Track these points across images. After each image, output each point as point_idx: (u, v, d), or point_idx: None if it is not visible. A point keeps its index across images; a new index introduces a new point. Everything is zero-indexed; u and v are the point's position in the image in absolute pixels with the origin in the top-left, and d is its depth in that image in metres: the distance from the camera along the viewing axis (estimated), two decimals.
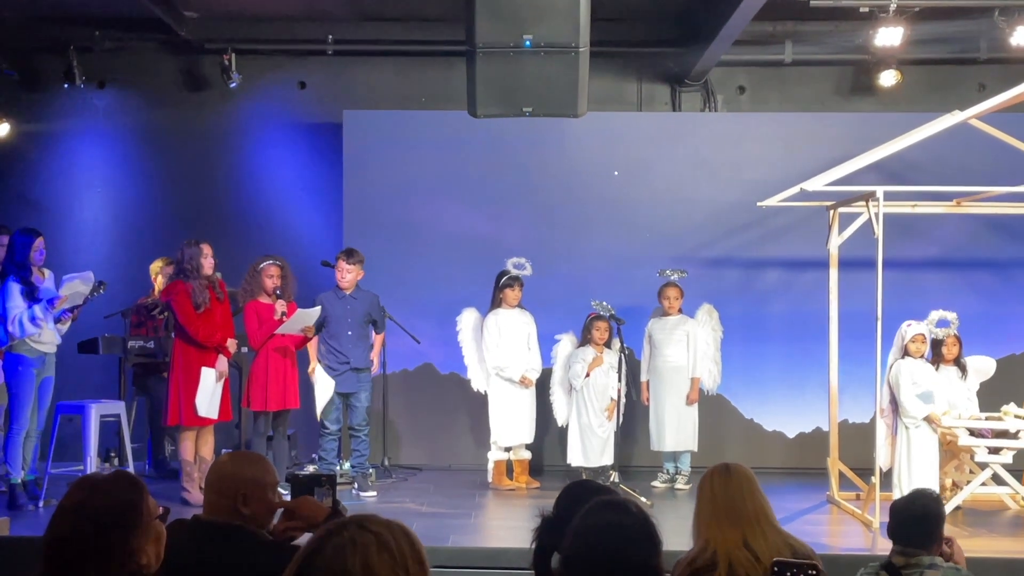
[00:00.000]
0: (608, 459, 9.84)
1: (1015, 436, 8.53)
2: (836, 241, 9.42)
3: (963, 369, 9.12)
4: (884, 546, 7.55)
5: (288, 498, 3.80)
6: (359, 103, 11.37)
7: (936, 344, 8.92)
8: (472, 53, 7.45)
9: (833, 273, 9.51)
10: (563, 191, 11.12)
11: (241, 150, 11.58)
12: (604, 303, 9.82)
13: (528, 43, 7.21)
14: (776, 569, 2.72)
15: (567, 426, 10.10)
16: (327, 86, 11.62)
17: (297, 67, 11.66)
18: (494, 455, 9.96)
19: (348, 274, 9.54)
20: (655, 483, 10.01)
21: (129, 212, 11.58)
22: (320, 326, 9.40)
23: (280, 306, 9.14)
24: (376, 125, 11.18)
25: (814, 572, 2.68)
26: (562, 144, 11.00)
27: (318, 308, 9.30)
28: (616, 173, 11.14)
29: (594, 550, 2.98)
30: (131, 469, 9.02)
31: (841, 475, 9.37)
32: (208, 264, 8.93)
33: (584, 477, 9.75)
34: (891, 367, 8.68)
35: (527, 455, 10.07)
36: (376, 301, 9.72)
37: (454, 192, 11.12)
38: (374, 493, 9.47)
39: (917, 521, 4.65)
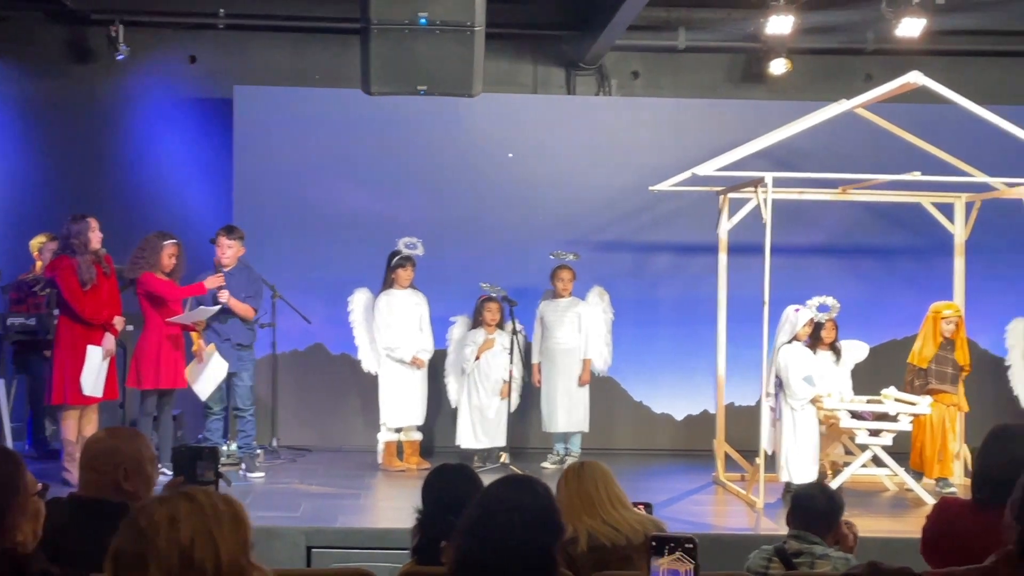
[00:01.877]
0: (499, 440, 9.86)
1: (895, 419, 8.76)
2: (725, 226, 9.56)
3: (838, 353, 9.34)
4: (767, 526, 7.74)
5: (171, 473, 3.76)
6: (251, 79, 11.18)
7: (815, 328, 9.11)
8: (366, 30, 7.37)
9: (722, 258, 9.64)
10: (457, 172, 11.09)
11: (128, 124, 11.31)
12: (495, 285, 9.82)
13: (423, 20, 7.16)
14: (655, 544, 2.74)
15: (458, 408, 10.08)
16: (218, 61, 11.40)
17: (187, 41, 11.42)
18: (384, 436, 9.91)
19: (229, 250, 9.40)
20: (545, 464, 10.05)
21: (9, 185, 11.24)
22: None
23: (223, 295, 9.09)
24: (268, 101, 11.01)
25: (691, 546, 2.71)
26: (457, 124, 10.96)
27: (216, 308, 9.14)
28: (510, 155, 11.15)
29: (493, 525, 2.95)
30: None
31: (727, 457, 9.52)
32: (96, 238, 8.71)
33: (476, 459, 9.78)
34: (777, 351, 8.83)
35: (418, 436, 10.04)
36: (254, 277, 9.58)
37: (347, 171, 11.01)
38: (262, 474, 9.36)
39: (819, 511, 4.75)
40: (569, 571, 4.16)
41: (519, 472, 9.11)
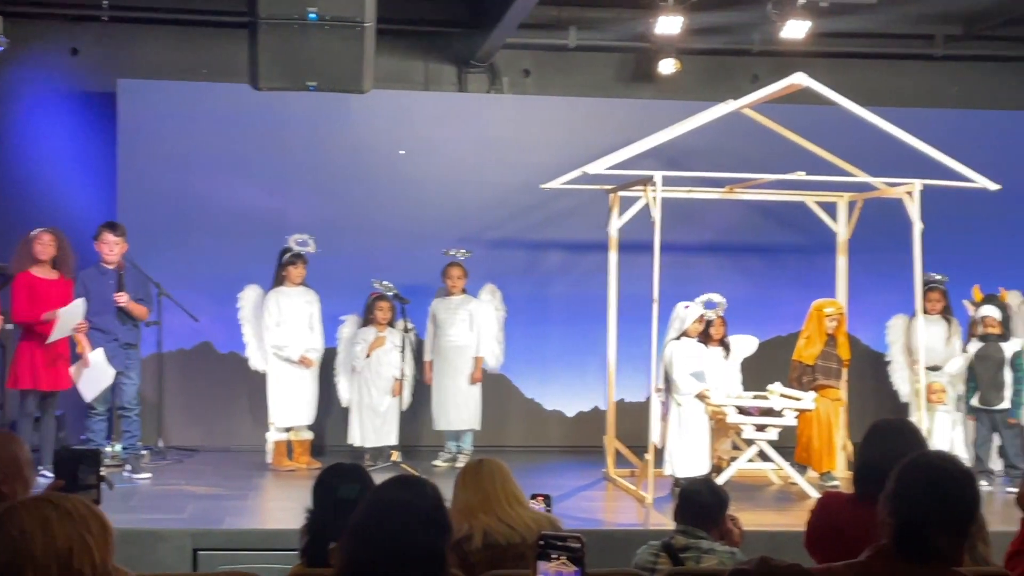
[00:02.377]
0: (390, 439, 9.80)
1: (780, 414, 8.93)
2: (616, 224, 9.64)
3: (727, 348, 9.50)
4: (657, 520, 7.82)
5: (52, 475, 3.66)
6: (135, 72, 10.93)
7: (705, 325, 9.24)
8: (255, 24, 7.27)
9: (612, 256, 9.72)
10: (348, 168, 11.01)
11: (7, 118, 10.98)
12: (385, 282, 9.77)
13: (313, 16, 7.09)
14: (542, 543, 2.74)
15: (350, 407, 10.00)
16: (101, 54, 11.12)
17: (69, 32, 11.13)
18: (273, 436, 9.79)
19: (116, 247, 9.20)
20: (436, 462, 10.03)
21: None
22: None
23: (121, 298, 8.87)
24: (153, 96, 10.79)
25: (579, 545, 2.71)
26: (347, 121, 10.87)
27: (80, 300, 8.91)
28: (402, 152, 11.09)
29: (382, 525, 2.92)
30: None
31: (617, 453, 9.60)
32: None
33: (367, 458, 9.72)
34: (666, 347, 8.93)
35: (308, 435, 9.94)
36: (142, 278, 9.40)
37: (235, 167, 10.85)
38: (148, 475, 9.18)
39: (705, 507, 4.81)
40: (463, 569, 4.16)
41: (411, 471, 9.09)
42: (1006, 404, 9.38)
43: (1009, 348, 9.36)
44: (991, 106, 11.70)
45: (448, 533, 2.99)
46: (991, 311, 9.40)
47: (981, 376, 9.40)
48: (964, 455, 9.33)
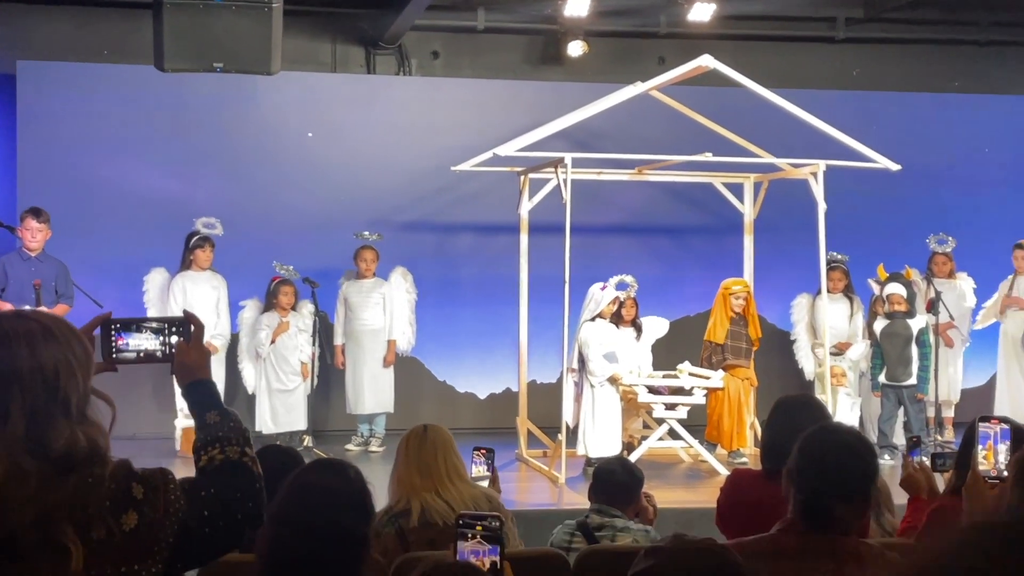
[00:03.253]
0: (300, 424, 9.74)
1: (689, 393, 9.05)
2: (526, 206, 9.66)
3: (639, 329, 9.59)
4: (570, 500, 7.89)
5: None
6: (35, 54, 10.67)
7: (616, 306, 9.32)
8: (159, 4, 7.15)
9: (523, 238, 9.76)
10: (256, 151, 10.88)
11: None
12: (288, 266, 9.68)
13: None
14: (461, 522, 2.76)
15: (256, 393, 9.91)
16: None
17: None
18: (181, 423, 9.67)
19: (39, 233, 9.03)
20: (349, 446, 10.00)
21: None
22: None
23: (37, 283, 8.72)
24: (54, 77, 10.55)
25: (498, 523, 2.73)
26: (254, 103, 10.75)
27: None
28: (310, 134, 11.00)
29: (304, 510, 2.90)
30: None
31: (530, 433, 9.65)
32: None
33: (278, 443, 9.63)
34: (580, 328, 9.00)
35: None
36: (65, 271, 9.23)
37: (140, 149, 10.66)
38: None
39: (619, 485, 4.85)
40: (399, 544, 4.17)
41: (325, 456, 9.04)
42: (912, 380, 9.60)
43: (915, 324, 9.57)
44: (891, 88, 11.94)
45: (371, 517, 2.99)
46: (897, 289, 9.59)
47: (888, 353, 9.60)
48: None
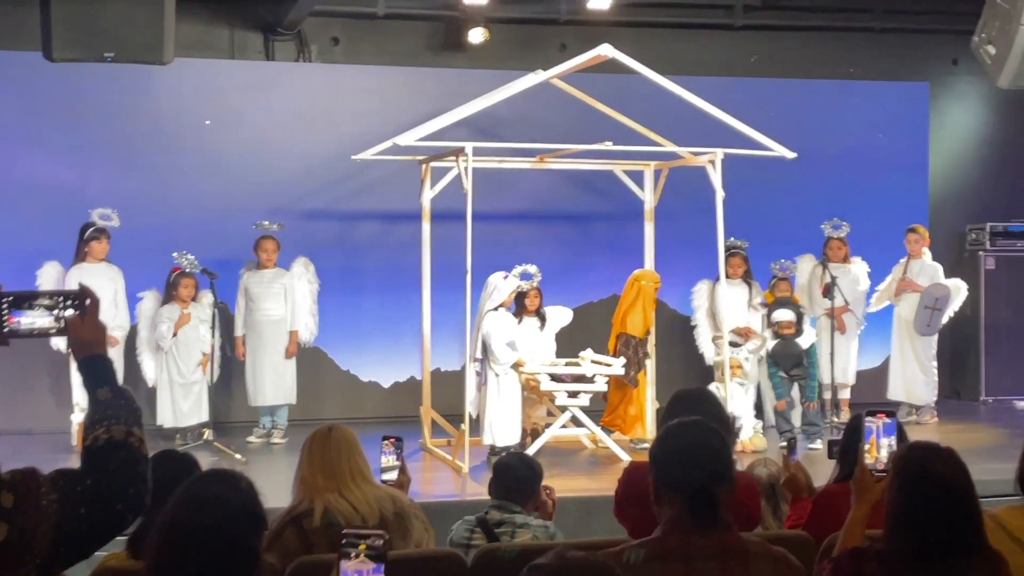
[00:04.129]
0: (201, 417, 9.61)
1: (591, 380, 9.10)
2: (428, 195, 9.63)
3: (543, 319, 9.61)
4: (473, 490, 7.90)
5: None
6: None
7: (519, 296, 9.34)
8: None
9: (426, 226, 9.73)
10: (152, 139, 10.68)
11: None
12: (189, 256, 9.53)
13: None
14: (345, 540, 2.74)
15: (157, 386, 9.75)
16: None
17: None
18: (78, 417, 9.46)
19: None
20: (251, 438, 9.89)
21: None
22: None
23: None
24: None
25: (381, 542, 2.72)
26: (150, 90, 10.54)
27: None
28: (208, 122, 10.83)
29: (194, 520, 2.86)
30: None
31: (433, 422, 9.64)
32: None
33: (177, 438, 9.54)
34: (482, 317, 8.99)
35: None
36: None
37: (31, 139, 10.41)
38: None
39: (519, 480, 4.86)
40: (300, 545, 4.13)
41: (224, 449, 8.95)
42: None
43: (805, 342, 9.66)
44: (788, 74, 12.12)
45: (262, 527, 2.95)
46: (785, 315, 9.64)
47: (783, 364, 9.70)
48: (751, 421, 9.66)
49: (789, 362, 9.63)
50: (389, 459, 4.54)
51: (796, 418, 9.87)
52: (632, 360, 9.29)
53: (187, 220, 10.57)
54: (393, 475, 4.50)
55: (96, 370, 2.68)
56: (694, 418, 3.29)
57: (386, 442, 4.55)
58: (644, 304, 9.42)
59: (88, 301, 2.75)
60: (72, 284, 9.32)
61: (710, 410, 4.28)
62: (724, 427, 4.10)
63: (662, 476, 3.12)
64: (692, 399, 4.39)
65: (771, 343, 9.74)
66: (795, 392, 9.78)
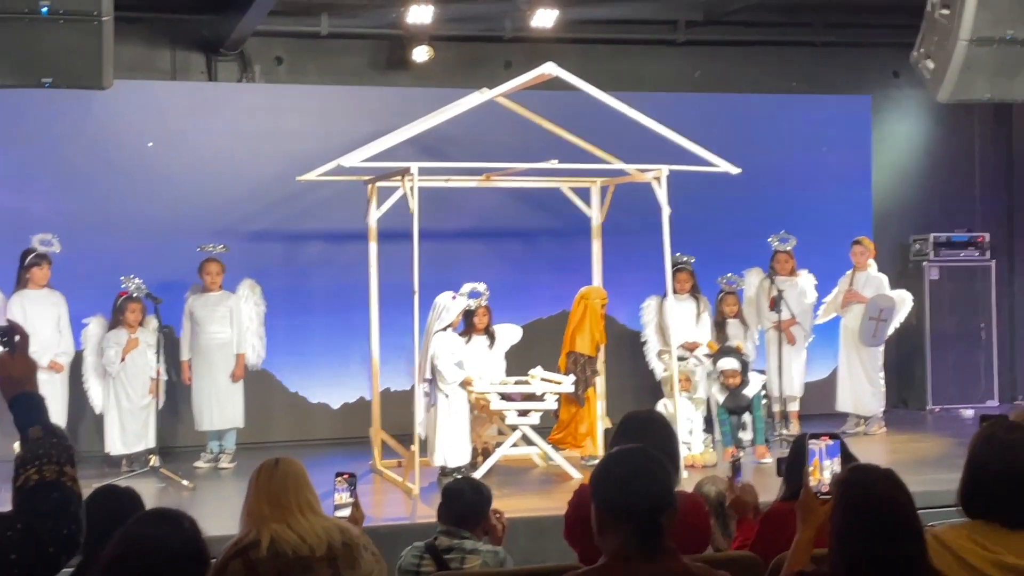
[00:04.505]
0: (148, 442, 9.49)
1: (541, 398, 9.09)
2: (375, 215, 9.59)
3: (492, 337, 9.60)
4: (424, 512, 7.85)
5: None
6: None
7: (468, 314, 9.32)
8: None
9: (372, 246, 9.68)
10: (94, 162, 10.57)
11: None
12: (137, 280, 9.43)
13: (45, 10, 6.71)
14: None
15: (104, 412, 9.61)
16: None
17: None
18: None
19: None
20: (198, 463, 9.78)
21: None
22: None
23: None
24: None
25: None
26: (90, 113, 10.41)
27: None
28: (150, 144, 10.72)
29: (135, 562, 2.81)
30: None
31: (384, 443, 9.58)
32: None
33: (124, 464, 9.42)
34: (430, 337, 8.95)
35: None
36: None
37: None
38: None
39: (467, 506, 4.83)
40: None
41: (171, 475, 8.83)
42: (750, 436, 9.69)
43: (750, 391, 9.67)
44: (731, 89, 12.20)
45: (205, 568, 2.91)
46: (730, 364, 9.61)
47: (733, 419, 9.70)
48: (701, 437, 9.69)
49: (737, 413, 9.65)
50: (342, 496, 4.49)
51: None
52: (580, 378, 9.28)
53: (131, 243, 10.45)
54: (346, 512, 4.45)
55: (27, 408, 2.63)
56: (635, 446, 3.28)
57: (339, 479, 4.49)
58: (591, 322, 9.40)
59: (18, 337, 2.69)
60: (14, 312, 9.20)
61: (657, 433, 4.29)
62: (669, 451, 4.10)
63: (604, 506, 3.11)
64: (639, 422, 4.39)
65: (719, 394, 9.75)
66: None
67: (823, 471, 3.50)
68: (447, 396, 8.86)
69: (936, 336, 12.36)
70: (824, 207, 12.01)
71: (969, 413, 12.01)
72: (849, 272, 11.01)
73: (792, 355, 10.61)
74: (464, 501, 4.86)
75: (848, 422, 10.92)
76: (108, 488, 4.15)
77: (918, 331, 12.30)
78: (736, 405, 9.62)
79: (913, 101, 12.62)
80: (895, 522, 3.12)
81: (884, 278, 10.97)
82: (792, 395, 10.70)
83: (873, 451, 9.88)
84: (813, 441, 3.55)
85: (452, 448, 8.80)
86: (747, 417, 9.65)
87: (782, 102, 12.28)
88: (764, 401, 9.77)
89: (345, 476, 4.50)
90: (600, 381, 9.65)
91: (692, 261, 10.37)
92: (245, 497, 4.31)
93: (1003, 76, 8.58)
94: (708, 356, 10.11)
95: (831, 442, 3.55)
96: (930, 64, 8.59)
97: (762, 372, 10.08)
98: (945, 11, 8.36)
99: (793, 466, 4.18)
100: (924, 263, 12.44)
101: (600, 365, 9.65)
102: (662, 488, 3.13)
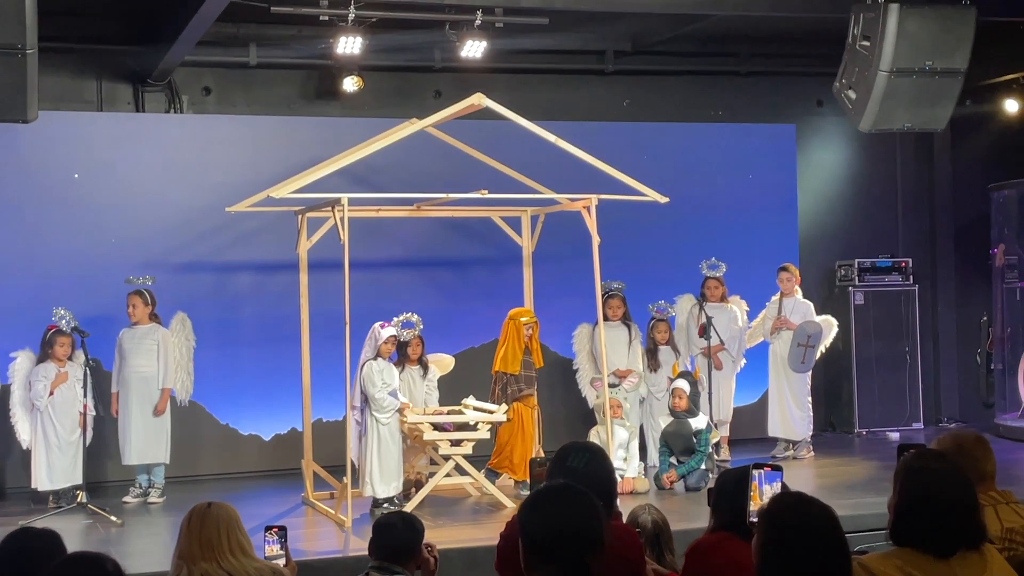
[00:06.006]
0: (76, 478, 9.33)
1: (474, 428, 9.09)
2: (305, 245, 9.56)
3: (425, 367, 9.60)
4: (356, 545, 7.80)
5: None
6: None
7: (402, 345, 9.31)
8: None
9: (303, 276, 9.63)
10: (19, 194, 10.41)
11: None
12: (66, 313, 9.31)
13: None
14: None
15: (32, 448, 9.45)
16: None
17: None
18: None
19: None
20: (127, 498, 9.64)
21: None
22: None
23: None
24: None
25: None
26: (16, 144, 10.26)
27: None
28: (77, 175, 10.59)
29: None
30: None
31: (316, 475, 9.52)
32: None
33: (51, 500, 9.27)
34: (362, 366, 8.93)
35: None
36: None
37: None
38: None
39: (399, 541, 4.81)
40: None
41: (99, 511, 8.70)
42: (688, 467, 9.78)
43: (696, 424, 9.75)
44: (660, 118, 12.34)
45: None
46: (682, 384, 9.76)
47: (673, 447, 9.77)
48: (636, 463, 9.75)
49: (680, 443, 9.68)
50: (273, 548, 4.48)
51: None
52: (500, 397, 9.35)
53: (58, 276, 10.31)
54: (280, 563, 4.44)
55: None
56: (562, 482, 3.29)
57: (269, 532, 4.49)
58: (511, 340, 9.48)
59: None
60: None
61: (594, 464, 4.29)
62: (605, 483, 4.10)
63: (530, 545, 3.11)
64: (576, 452, 4.38)
65: (663, 421, 9.82)
66: None
67: (763, 496, 3.56)
68: (381, 423, 8.82)
69: (862, 360, 12.57)
70: (751, 234, 12.16)
71: (895, 436, 12.21)
72: (775, 297, 11.16)
73: (721, 380, 10.72)
74: (396, 535, 4.84)
75: (778, 446, 11.05)
76: (24, 530, 4.06)
77: (844, 355, 12.50)
78: (679, 434, 9.64)
79: (837, 129, 12.86)
80: (822, 551, 3.15)
81: (810, 304, 11.14)
82: (722, 420, 10.79)
83: (802, 475, 10.02)
84: (757, 470, 3.62)
85: (383, 479, 8.77)
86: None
87: (709, 130, 12.44)
88: (712, 443, 9.85)
89: (275, 529, 4.50)
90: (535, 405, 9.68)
91: (624, 288, 10.45)
92: (177, 541, 4.31)
93: (923, 106, 8.81)
94: (633, 388, 10.22)
95: (771, 471, 3.62)
96: (852, 94, 8.78)
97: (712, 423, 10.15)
98: (866, 43, 8.56)
99: (721, 497, 4.21)
100: (849, 288, 12.66)
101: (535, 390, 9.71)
102: (589, 527, 3.10)
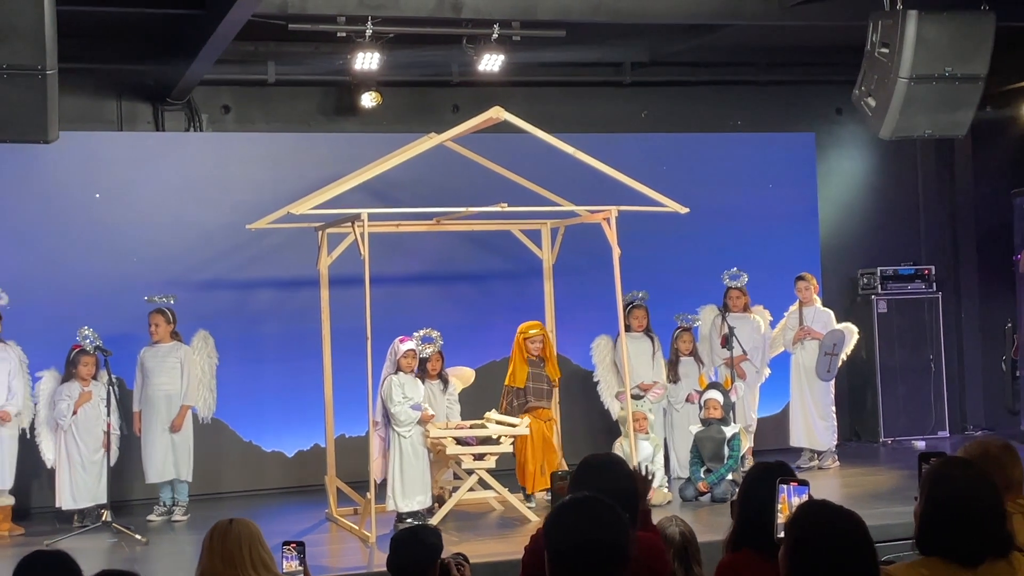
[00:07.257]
0: (100, 497, 9.35)
1: (497, 442, 9.08)
2: (326, 261, 9.57)
3: (445, 381, 9.59)
4: (380, 560, 7.73)
5: None
6: None
7: (421, 361, 9.31)
8: None
9: (324, 292, 9.64)
10: (40, 215, 10.46)
11: None
12: (91, 332, 9.34)
13: None
14: None
15: (56, 467, 9.48)
16: None
17: None
18: None
19: None
20: (151, 517, 9.65)
21: None
22: None
23: None
24: None
25: None
26: (36, 165, 10.31)
27: None
28: (97, 196, 10.64)
29: None
30: None
31: (340, 491, 9.51)
32: None
33: (75, 519, 9.29)
34: (384, 381, 8.93)
35: (9, 500, 9.37)
36: None
37: None
38: None
39: (415, 560, 4.77)
40: None
41: (123, 530, 8.71)
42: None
43: (729, 431, 9.73)
44: (678, 129, 12.32)
45: None
46: (714, 395, 9.75)
47: (704, 452, 9.73)
48: (659, 475, 9.71)
49: (710, 448, 9.63)
50: (291, 564, 4.46)
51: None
52: (507, 410, 9.40)
53: (81, 296, 10.35)
54: None
55: None
56: (587, 494, 3.26)
57: (287, 547, 4.47)
58: (515, 354, 9.56)
59: None
60: None
61: (618, 476, 4.26)
62: (628, 495, 4.08)
63: (556, 559, 3.08)
64: (599, 466, 4.35)
65: (695, 428, 9.79)
66: None
67: (792, 508, 3.52)
68: (403, 437, 8.82)
69: (886, 369, 12.50)
70: (772, 243, 12.11)
71: (921, 445, 12.13)
72: (793, 307, 11.11)
73: (745, 391, 10.67)
74: (411, 552, 4.79)
75: (802, 457, 10.98)
76: (38, 553, 4.02)
77: (868, 364, 12.43)
78: (710, 438, 9.60)
79: (857, 137, 12.81)
80: (850, 558, 3.12)
81: (831, 312, 11.08)
82: (748, 430, 10.72)
83: (828, 485, 9.95)
84: (784, 483, 3.58)
85: (408, 493, 8.75)
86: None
87: (728, 140, 12.42)
88: (745, 449, 9.82)
89: (293, 545, 4.48)
90: (552, 416, 9.66)
91: (646, 298, 10.42)
92: (199, 559, 4.30)
93: (943, 112, 8.76)
94: (658, 400, 10.20)
95: (798, 484, 3.58)
96: (871, 102, 8.74)
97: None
98: (885, 50, 8.52)
99: (746, 508, 4.16)
100: (872, 296, 12.59)
101: (555, 404, 9.70)
102: (614, 539, 3.08)
